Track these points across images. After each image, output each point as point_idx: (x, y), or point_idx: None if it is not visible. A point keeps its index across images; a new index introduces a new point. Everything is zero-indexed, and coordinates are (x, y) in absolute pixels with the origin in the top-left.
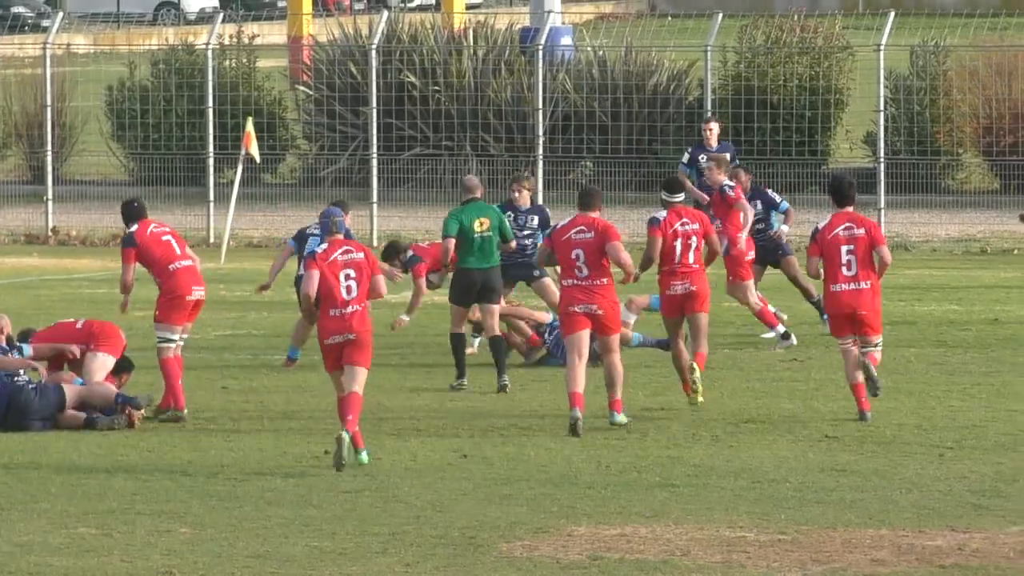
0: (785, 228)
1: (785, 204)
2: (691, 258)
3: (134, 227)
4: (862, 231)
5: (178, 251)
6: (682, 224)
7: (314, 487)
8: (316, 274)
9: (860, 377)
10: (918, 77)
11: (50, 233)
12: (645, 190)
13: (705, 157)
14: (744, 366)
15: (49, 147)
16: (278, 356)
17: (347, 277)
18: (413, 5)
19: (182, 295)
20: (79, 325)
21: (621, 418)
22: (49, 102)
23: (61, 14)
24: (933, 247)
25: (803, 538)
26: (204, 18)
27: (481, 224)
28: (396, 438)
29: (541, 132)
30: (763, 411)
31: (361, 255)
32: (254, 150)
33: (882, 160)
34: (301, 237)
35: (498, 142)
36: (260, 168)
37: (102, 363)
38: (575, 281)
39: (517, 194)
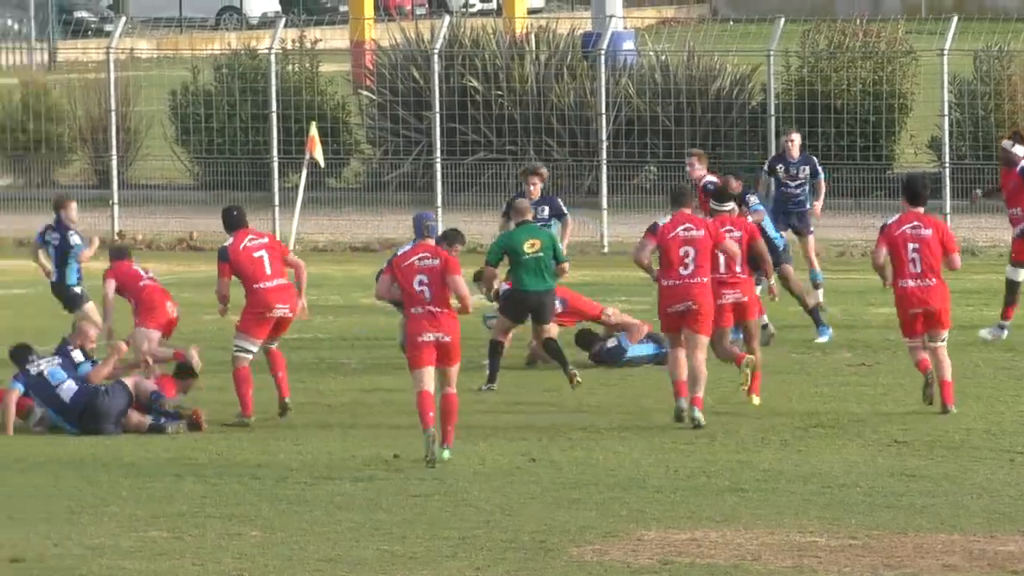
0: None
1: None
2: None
3: (229, 240)
4: (929, 231)
5: (268, 270)
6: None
7: (383, 491)
8: (388, 279)
9: (947, 373)
10: (982, 82)
11: (116, 237)
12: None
13: (782, 167)
14: (812, 370)
15: (114, 151)
16: (345, 360)
17: (420, 283)
18: (475, 10)
19: (263, 312)
20: (144, 280)
21: (699, 415)
22: (113, 106)
23: (124, 19)
24: (1000, 252)
25: (874, 543)
26: (266, 23)
27: (532, 245)
28: (464, 442)
29: (604, 137)
30: (832, 415)
31: (437, 261)
32: (318, 154)
33: (947, 165)
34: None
35: (561, 147)
36: (324, 172)
37: (143, 336)
38: (675, 281)
39: (532, 187)
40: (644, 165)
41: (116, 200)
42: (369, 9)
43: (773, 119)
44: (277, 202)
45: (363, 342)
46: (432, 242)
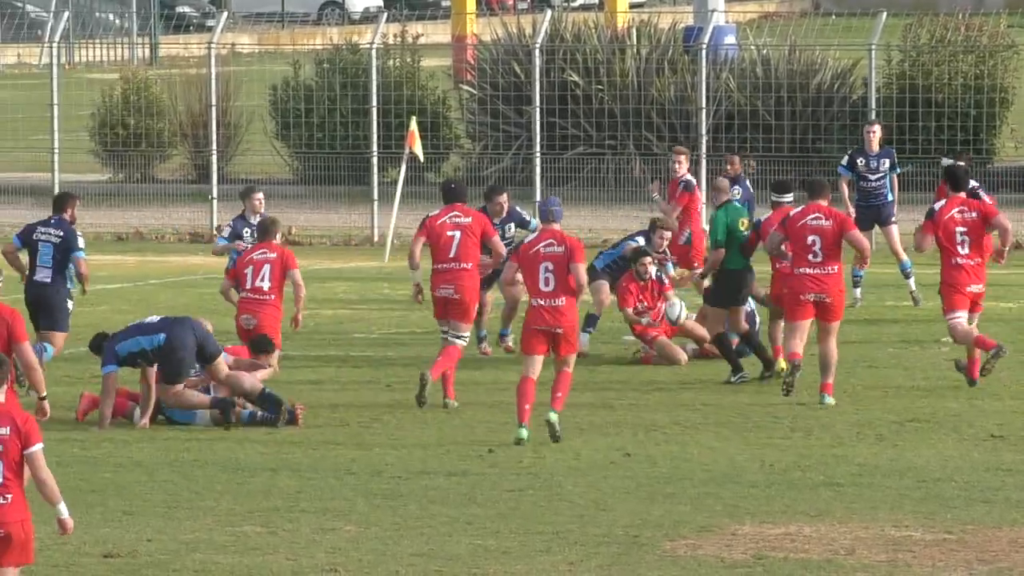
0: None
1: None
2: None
3: (436, 211)
4: (974, 214)
5: (452, 253)
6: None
7: (478, 485)
8: (514, 266)
9: (976, 352)
10: None
11: (214, 232)
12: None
13: (862, 160)
14: (909, 365)
15: (214, 146)
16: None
17: (546, 270)
18: (576, 4)
19: (431, 292)
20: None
21: (830, 400)
22: (214, 102)
23: (225, 14)
24: None
25: (969, 537)
26: (368, 18)
27: (743, 224)
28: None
29: (704, 131)
30: (928, 410)
31: (562, 248)
32: (418, 149)
33: None
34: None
35: (661, 141)
36: (424, 167)
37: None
38: (806, 269)
39: (499, 206)
40: (744, 159)
41: (215, 195)
42: (471, 4)
43: (874, 113)
44: (376, 196)
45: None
46: (557, 227)
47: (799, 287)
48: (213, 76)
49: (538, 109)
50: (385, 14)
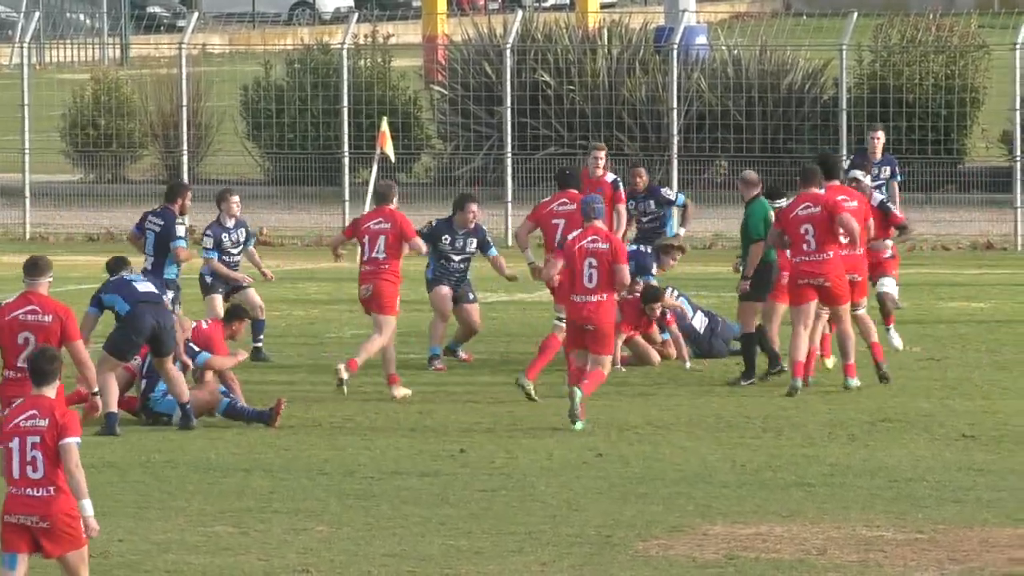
0: (682, 231)
1: (682, 198)
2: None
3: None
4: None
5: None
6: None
7: (450, 486)
8: (559, 263)
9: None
10: None
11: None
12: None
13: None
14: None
15: (185, 147)
16: (414, 355)
17: (589, 266)
18: (547, 4)
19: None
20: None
21: (855, 382)
22: (185, 102)
23: (196, 14)
24: None
25: (941, 537)
26: (339, 18)
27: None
28: (532, 437)
29: (675, 131)
30: (899, 410)
31: (607, 245)
32: (389, 149)
33: (1019, 159)
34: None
35: (632, 141)
36: (395, 167)
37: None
38: (802, 257)
39: (470, 215)
40: (715, 159)
41: None
42: (442, 4)
43: (845, 113)
44: (347, 197)
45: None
46: (600, 224)
47: (796, 274)
48: (184, 76)
49: (509, 109)
50: (356, 14)
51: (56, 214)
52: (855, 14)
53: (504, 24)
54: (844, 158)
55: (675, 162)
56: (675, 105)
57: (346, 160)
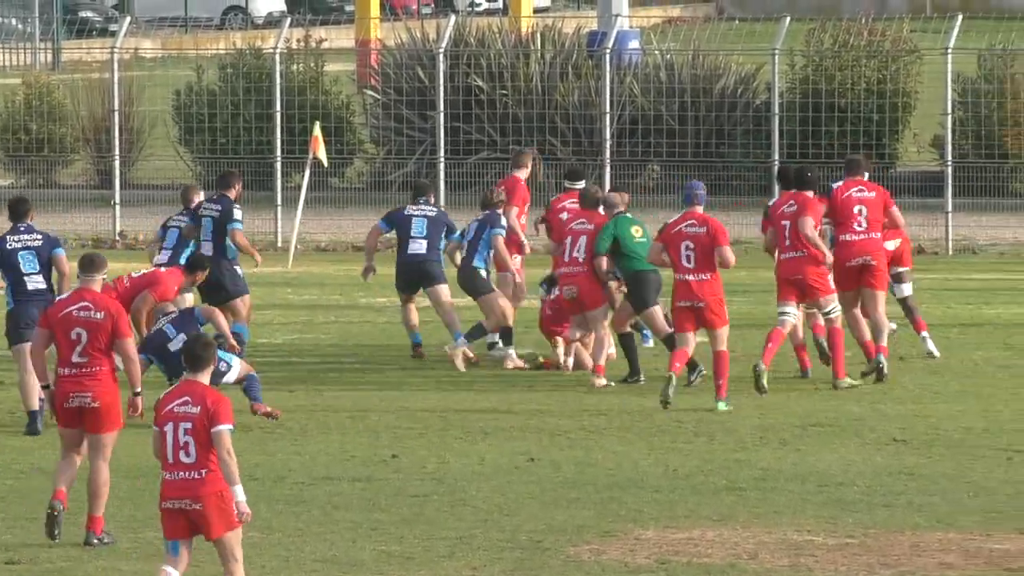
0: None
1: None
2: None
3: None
4: (703, 230)
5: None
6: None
7: (381, 491)
8: (660, 246)
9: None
10: (986, 80)
11: (117, 237)
12: (712, 193)
13: None
14: (812, 369)
15: (117, 151)
16: (345, 360)
17: (687, 248)
18: (480, 9)
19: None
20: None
21: (882, 360)
22: (117, 107)
23: (128, 19)
24: (1000, 250)
25: (871, 542)
26: (272, 22)
27: (637, 231)
28: (463, 441)
29: (608, 136)
30: (830, 414)
31: (704, 229)
32: (322, 154)
33: (950, 163)
34: (391, 219)
35: (565, 146)
36: (327, 172)
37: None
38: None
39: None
40: (647, 164)
41: (118, 200)
42: (375, 8)
43: (777, 118)
44: (280, 201)
45: (365, 346)
46: (700, 210)
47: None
48: (116, 81)
49: (442, 114)
50: (289, 19)
51: None
52: (787, 19)
53: (437, 29)
54: (776, 163)
55: (608, 167)
56: (608, 110)
57: (278, 165)
